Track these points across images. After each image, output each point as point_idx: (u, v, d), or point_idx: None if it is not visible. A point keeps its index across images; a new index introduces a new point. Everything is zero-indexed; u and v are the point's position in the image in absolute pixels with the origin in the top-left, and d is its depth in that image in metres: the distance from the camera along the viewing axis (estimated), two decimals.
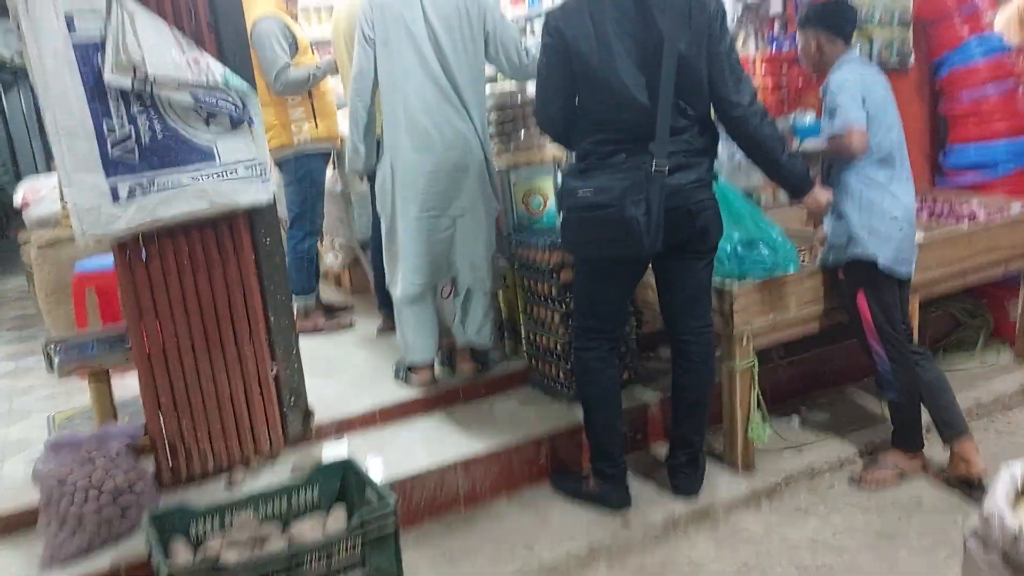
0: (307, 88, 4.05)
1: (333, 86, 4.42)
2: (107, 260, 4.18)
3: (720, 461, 3.02)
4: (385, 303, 4.17)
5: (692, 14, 2.35)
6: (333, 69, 4.10)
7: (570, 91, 2.51)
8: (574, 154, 2.65)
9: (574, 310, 2.81)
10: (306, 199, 4.20)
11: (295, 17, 4.22)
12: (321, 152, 4.24)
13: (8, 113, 16.18)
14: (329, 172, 4.50)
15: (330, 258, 5.20)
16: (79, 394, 3.84)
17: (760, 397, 2.92)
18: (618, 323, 2.73)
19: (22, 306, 6.47)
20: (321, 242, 4.89)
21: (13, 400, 3.91)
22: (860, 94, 2.74)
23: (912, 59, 3.98)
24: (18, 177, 15.62)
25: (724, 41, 2.41)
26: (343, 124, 4.39)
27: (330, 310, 4.64)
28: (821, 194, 2.74)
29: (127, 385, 3.23)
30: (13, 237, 11.16)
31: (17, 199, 5.45)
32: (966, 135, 3.90)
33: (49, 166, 15.97)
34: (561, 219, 2.58)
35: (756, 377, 2.89)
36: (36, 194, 5.35)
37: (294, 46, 4.00)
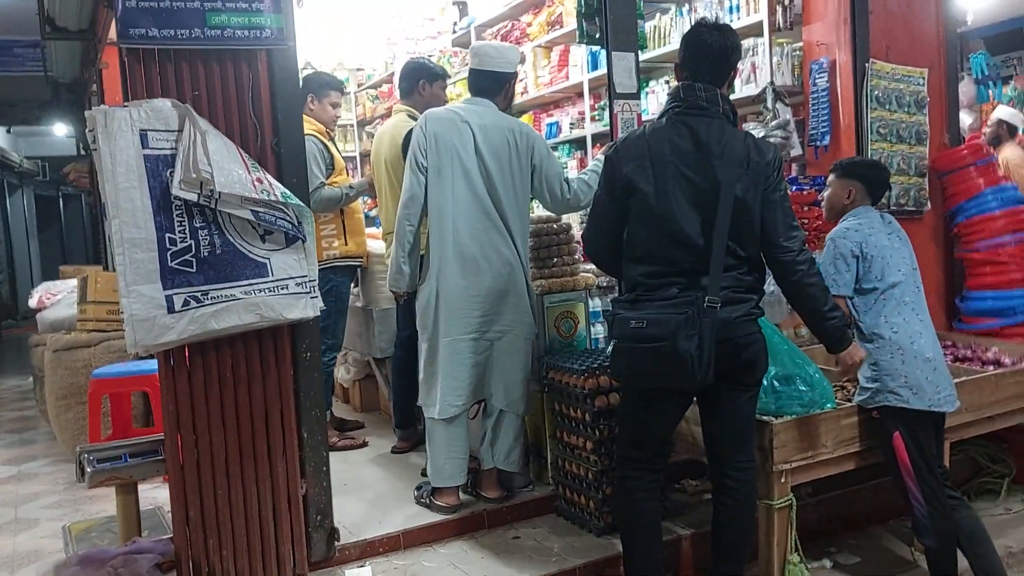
0: (339, 206, 4.15)
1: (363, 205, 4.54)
2: (123, 367, 4.18)
3: None
4: (402, 424, 4.14)
5: (750, 160, 2.47)
6: (366, 189, 4.22)
7: (623, 225, 2.59)
8: (622, 283, 2.70)
9: (618, 440, 2.80)
10: (330, 313, 4.23)
11: (332, 138, 4.38)
12: (348, 267, 4.31)
13: (10, 214, 16.40)
14: (352, 287, 4.55)
15: (342, 372, 5.19)
16: (86, 503, 3.75)
17: (796, 538, 2.87)
18: (663, 454, 2.72)
19: (20, 407, 6.35)
20: None
21: (18, 508, 3.79)
22: (854, 249, 2.90)
23: (928, 205, 4.15)
24: (12, 277, 15.70)
25: (779, 189, 2.53)
26: (370, 242, 4.50)
27: (342, 426, 4.59)
28: (857, 351, 2.77)
29: (143, 495, 3.14)
30: (5, 337, 11.08)
31: (32, 301, 5.46)
32: (983, 283, 4.02)
33: (44, 268, 16.12)
34: (612, 348, 2.61)
35: (794, 516, 2.86)
36: (52, 297, 5.37)
37: (331, 166, 4.14)
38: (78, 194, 16.28)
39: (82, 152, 10.78)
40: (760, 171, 2.48)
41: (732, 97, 4.59)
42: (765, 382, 2.90)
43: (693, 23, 2.80)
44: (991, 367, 3.50)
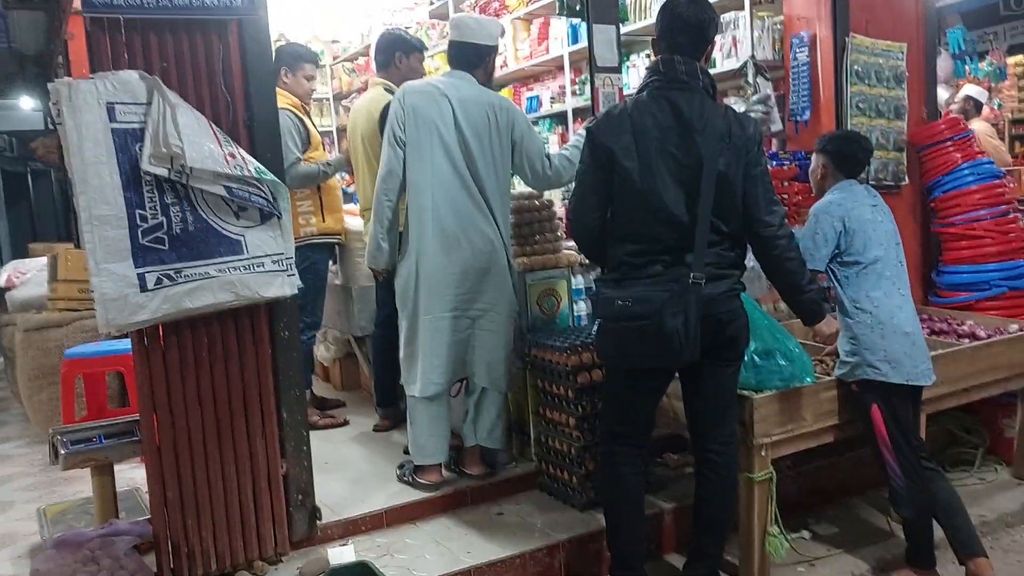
0: (316, 183, 4.08)
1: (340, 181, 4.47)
2: (96, 347, 4.11)
3: (735, 574, 2.96)
4: (383, 402, 4.12)
5: (732, 135, 2.45)
6: (343, 165, 4.15)
7: (608, 202, 2.56)
8: (607, 263, 2.67)
9: (602, 416, 2.81)
10: (308, 291, 4.17)
11: (308, 113, 4.30)
12: (325, 244, 4.25)
13: None
14: (330, 265, 4.49)
15: (322, 350, 5.14)
16: (62, 484, 3.70)
17: (777, 510, 2.89)
18: (647, 430, 2.71)
19: None
20: None
21: None
22: (835, 224, 2.92)
23: (906, 180, 4.17)
24: None
25: (760, 164, 2.51)
26: (348, 219, 4.44)
27: (322, 405, 4.56)
28: (831, 323, 2.80)
29: (120, 476, 3.10)
30: None
31: (0, 280, 5.35)
32: (959, 257, 4.05)
33: (13, 246, 15.81)
34: (597, 328, 2.59)
35: (775, 489, 2.87)
36: (21, 276, 5.27)
37: (306, 141, 4.06)
38: (47, 170, 15.95)
39: (50, 127, 10.54)
40: (742, 145, 2.46)
41: (713, 71, 4.61)
42: (746, 357, 2.90)
43: None
44: (966, 340, 3.53)
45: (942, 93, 6.43)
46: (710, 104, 2.51)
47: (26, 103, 12.62)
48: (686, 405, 2.70)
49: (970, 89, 6.44)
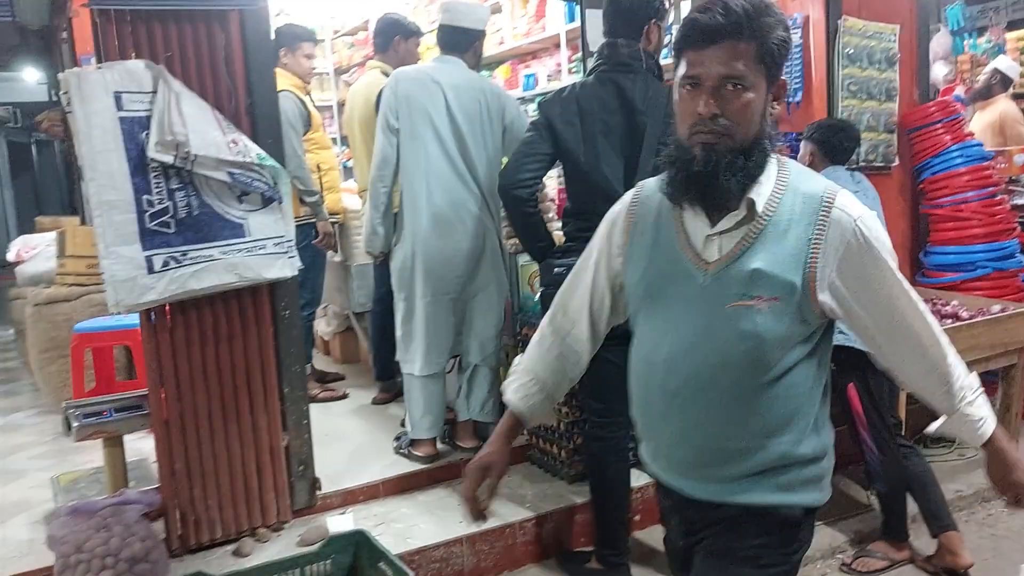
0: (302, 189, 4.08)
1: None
2: (105, 322, 4.22)
3: None
4: (382, 376, 4.25)
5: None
6: (325, 217, 4.17)
7: (544, 167, 2.68)
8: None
9: (580, 393, 2.91)
10: (307, 269, 4.26)
11: (309, 92, 4.37)
12: None
13: None
14: None
15: (322, 325, 5.27)
16: (72, 453, 3.82)
17: None
18: (620, 405, 2.75)
19: (2, 359, 6.39)
20: None
21: (5, 459, 3.87)
22: None
23: (896, 161, 4.24)
24: None
25: None
26: (347, 198, 4.54)
27: (323, 378, 4.69)
28: None
29: (128, 447, 3.23)
30: None
31: (10, 255, 5.47)
32: (946, 238, 4.13)
33: (19, 216, 15.91)
34: (540, 296, 2.74)
35: None
36: (30, 251, 5.37)
37: (307, 122, 4.14)
38: (51, 140, 16.03)
39: (54, 99, 10.61)
40: None
41: None
42: None
43: None
44: (949, 321, 3.62)
45: (941, 69, 6.41)
46: (654, 84, 2.62)
47: (30, 75, 12.64)
48: None
49: (1001, 62, 5.89)
